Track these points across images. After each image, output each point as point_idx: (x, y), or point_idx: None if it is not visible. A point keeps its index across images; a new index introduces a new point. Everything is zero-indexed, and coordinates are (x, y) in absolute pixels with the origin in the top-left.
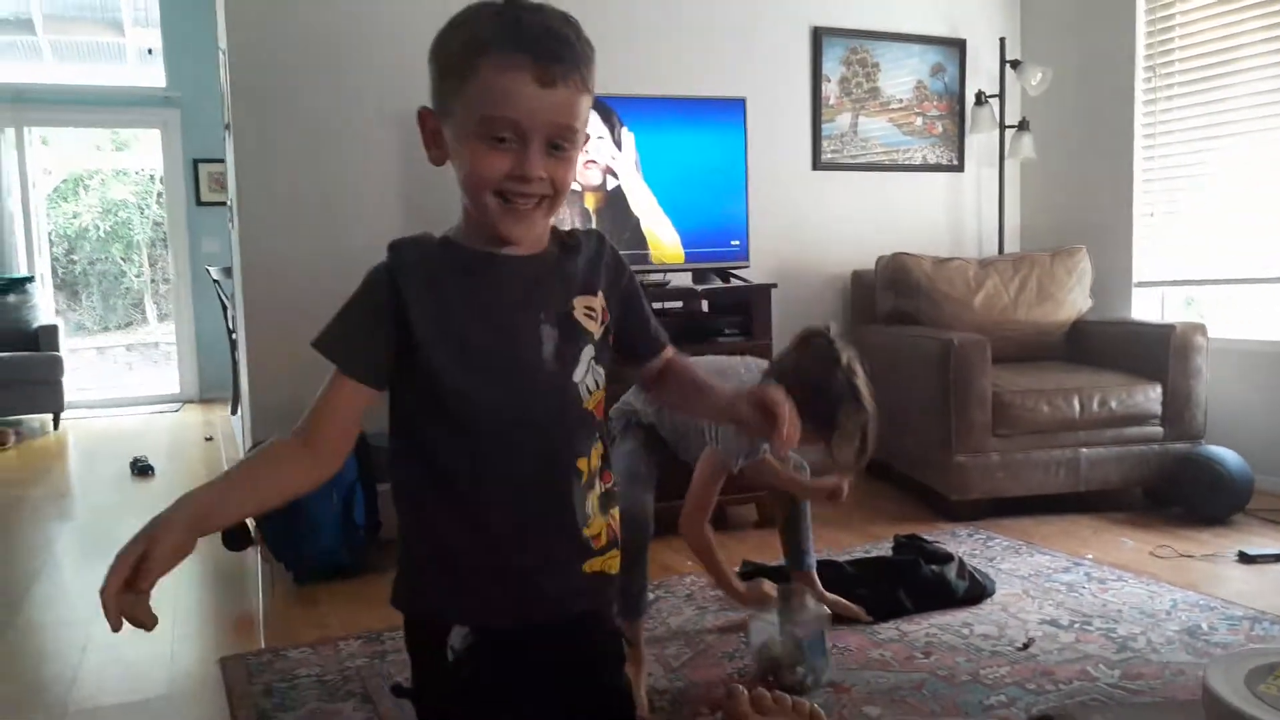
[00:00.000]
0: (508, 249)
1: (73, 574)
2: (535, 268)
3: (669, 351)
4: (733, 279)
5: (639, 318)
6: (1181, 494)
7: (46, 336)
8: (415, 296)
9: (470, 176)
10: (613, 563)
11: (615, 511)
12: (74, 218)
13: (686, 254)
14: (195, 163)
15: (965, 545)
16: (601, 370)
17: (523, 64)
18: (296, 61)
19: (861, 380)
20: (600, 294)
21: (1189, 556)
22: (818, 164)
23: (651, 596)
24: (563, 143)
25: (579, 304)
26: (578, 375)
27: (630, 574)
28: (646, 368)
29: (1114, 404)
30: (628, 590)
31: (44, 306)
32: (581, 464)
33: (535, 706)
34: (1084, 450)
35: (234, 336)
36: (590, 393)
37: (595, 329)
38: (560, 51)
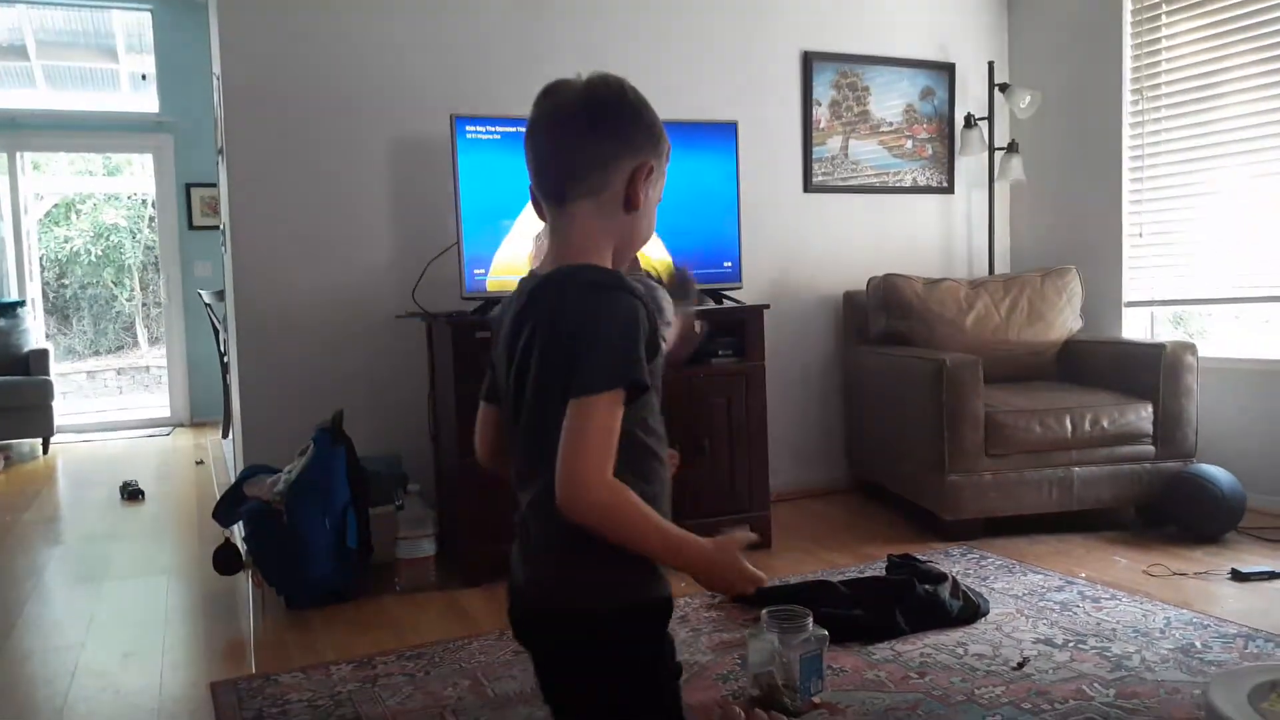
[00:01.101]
0: None
1: (63, 599)
2: None
3: None
4: (725, 300)
5: None
6: (1174, 512)
7: (37, 361)
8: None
9: (651, 229)
10: None
11: None
12: (65, 242)
13: None
14: (188, 187)
15: (958, 565)
16: None
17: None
18: (290, 87)
19: None
20: None
21: (1182, 575)
22: (809, 186)
23: None
24: None
25: None
26: None
27: None
28: None
29: (1106, 423)
30: None
31: (35, 331)
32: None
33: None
34: (1076, 469)
35: (225, 360)
36: None
37: None
38: None
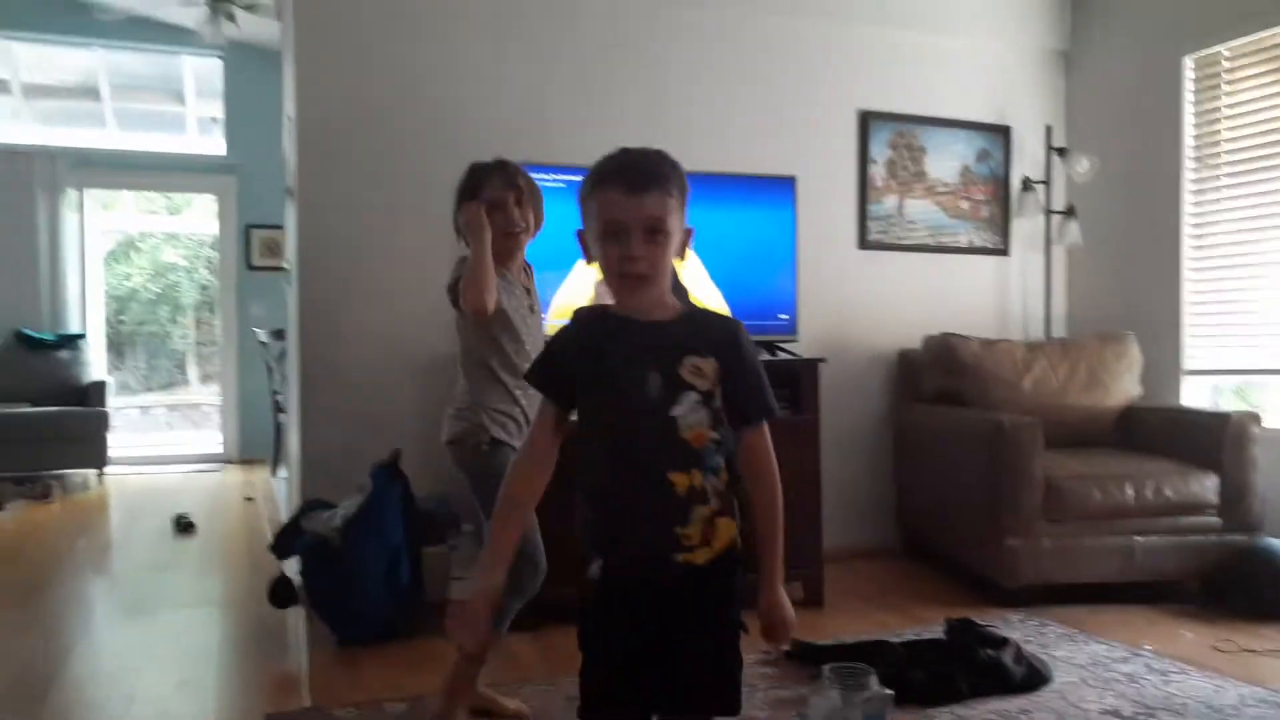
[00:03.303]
0: (635, 315)
1: (118, 627)
2: (655, 331)
3: (750, 431)
4: (780, 352)
5: (737, 390)
6: (1241, 587)
7: (95, 392)
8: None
9: (602, 267)
10: (698, 556)
11: (720, 525)
12: (125, 279)
13: None
14: (248, 228)
15: (1017, 632)
16: (706, 413)
17: (616, 183)
18: (362, 130)
19: None
20: (712, 359)
21: (1252, 651)
22: (864, 243)
23: None
24: (656, 233)
25: (687, 363)
26: (676, 411)
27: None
28: (738, 431)
29: (1169, 492)
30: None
31: (95, 363)
32: (674, 477)
33: (636, 637)
34: (1138, 538)
35: (278, 398)
36: (690, 426)
37: (700, 383)
38: (642, 169)
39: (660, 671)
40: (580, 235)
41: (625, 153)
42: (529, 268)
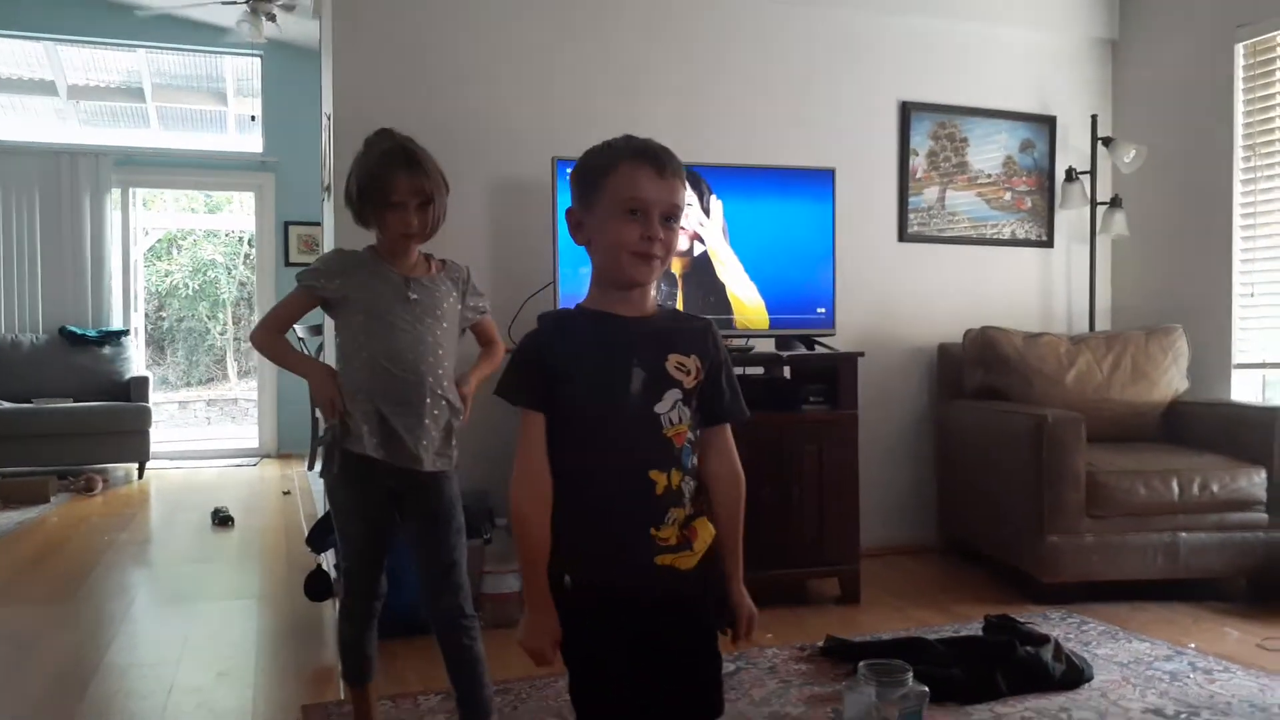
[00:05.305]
0: (615, 310)
1: (158, 618)
2: (638, 326)
3: (720, 430)
4: (818, 346)
5: (715, 389)
6: None
7: (137, 388)
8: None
9: (612, 244)
10: (682, 561)
11: (699, 528)
12: (166, 276)
13: (771, 320)
14: (286, 225)
15: (1058, 629)
16: (685, 412)
17: (646, 163)
18: (398, 128)
19: None
20: (694, 357)
21: None
22: (904, 236)
23: (732, 668)
24: (671, 220)
25: (672, 359)
26: (659, 408)
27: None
28: (706, 431)
29: (1215, 488)
30: (351, 651)
31: (136, 360)
32: (655, 475)
33: (620, 650)
34: (1183, 535)
35: None
36: (671, 424)
37: (685, 379)
38: (668, 157)
39: (651, 680)
40: (571, 214)
41: (638, 138)
42: (444, 264)
